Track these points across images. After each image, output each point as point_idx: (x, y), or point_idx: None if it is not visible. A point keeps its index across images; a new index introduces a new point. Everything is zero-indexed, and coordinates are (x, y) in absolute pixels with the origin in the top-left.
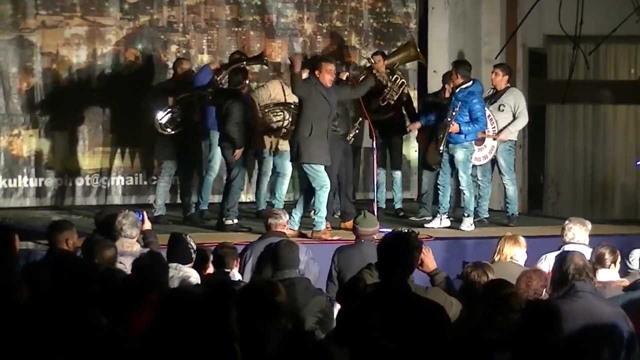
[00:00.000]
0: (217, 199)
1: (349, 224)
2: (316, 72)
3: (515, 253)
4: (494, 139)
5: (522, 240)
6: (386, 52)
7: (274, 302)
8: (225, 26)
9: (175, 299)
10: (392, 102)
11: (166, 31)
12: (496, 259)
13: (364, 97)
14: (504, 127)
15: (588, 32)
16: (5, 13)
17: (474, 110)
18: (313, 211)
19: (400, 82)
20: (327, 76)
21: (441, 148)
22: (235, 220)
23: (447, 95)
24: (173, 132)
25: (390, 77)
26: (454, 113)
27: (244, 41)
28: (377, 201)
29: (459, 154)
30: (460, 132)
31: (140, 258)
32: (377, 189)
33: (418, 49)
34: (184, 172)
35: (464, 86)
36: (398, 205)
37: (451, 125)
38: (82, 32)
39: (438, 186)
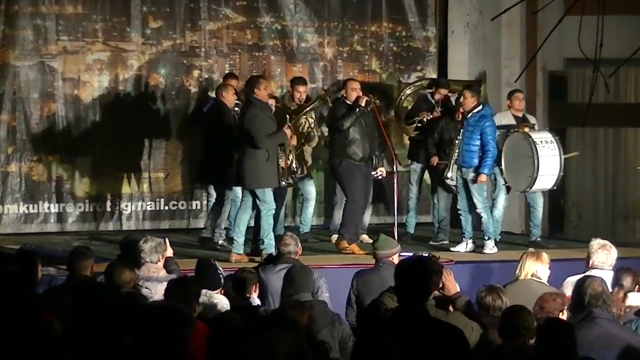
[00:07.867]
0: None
1: (354, 247)
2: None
3: (537, 269)
4: None
5: (544, 256)
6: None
7: None
8: (247, 51)
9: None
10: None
11: (188, 56)
12: (519, 276)
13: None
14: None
15: (608, 55)
16: (26, 39)
17: (485, 134)
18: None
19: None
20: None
21: (449, 174)
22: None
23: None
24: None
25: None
26: (459, 138)
27: (265, 66)
28: (407, 225)
29: (473, 177)
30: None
31: (173, 283)
32: (408, 213)
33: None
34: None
35: (475, 110)
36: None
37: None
38: (104, 58)
39: (459, 212)
